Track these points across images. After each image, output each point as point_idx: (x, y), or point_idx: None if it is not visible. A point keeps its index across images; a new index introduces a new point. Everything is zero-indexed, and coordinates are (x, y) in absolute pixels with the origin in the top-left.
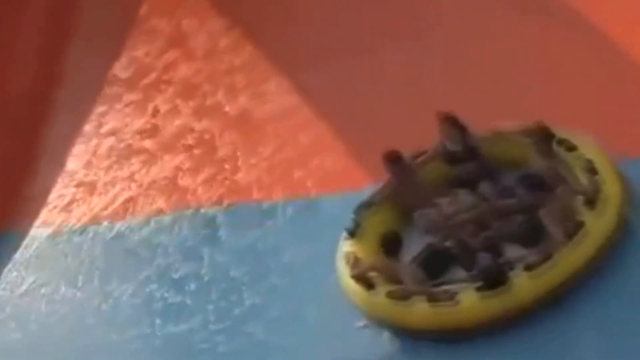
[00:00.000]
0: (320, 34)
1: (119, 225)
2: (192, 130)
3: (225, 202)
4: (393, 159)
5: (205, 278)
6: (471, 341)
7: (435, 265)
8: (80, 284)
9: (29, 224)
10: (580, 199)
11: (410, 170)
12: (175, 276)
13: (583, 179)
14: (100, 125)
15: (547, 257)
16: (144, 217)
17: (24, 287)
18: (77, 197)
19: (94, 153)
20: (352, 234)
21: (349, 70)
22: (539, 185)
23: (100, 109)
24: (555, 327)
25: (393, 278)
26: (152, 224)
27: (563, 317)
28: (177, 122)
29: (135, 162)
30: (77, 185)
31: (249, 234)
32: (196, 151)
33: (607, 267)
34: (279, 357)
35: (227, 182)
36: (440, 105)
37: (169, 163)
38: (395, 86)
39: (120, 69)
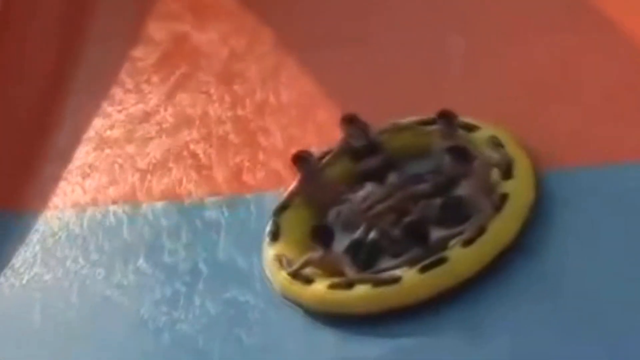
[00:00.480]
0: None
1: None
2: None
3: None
4: (300, 159)
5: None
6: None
7: (364, 256)
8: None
9: (42, 205)
10: (495, 171)
11: (318, 169)
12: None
13: (492, 153)
14: (116, 109)
15: (481, 231)
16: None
17: (33, 268)
18: (87, 180)
19: (107, 138)
20: (275, 236)
21: None
22: (464, 157)
23: (116, 92)
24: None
25: (331, 270)
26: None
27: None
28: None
29: (148, 150)
30: (87, 169)
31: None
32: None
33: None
34: None
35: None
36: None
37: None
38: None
39: (139, 51)
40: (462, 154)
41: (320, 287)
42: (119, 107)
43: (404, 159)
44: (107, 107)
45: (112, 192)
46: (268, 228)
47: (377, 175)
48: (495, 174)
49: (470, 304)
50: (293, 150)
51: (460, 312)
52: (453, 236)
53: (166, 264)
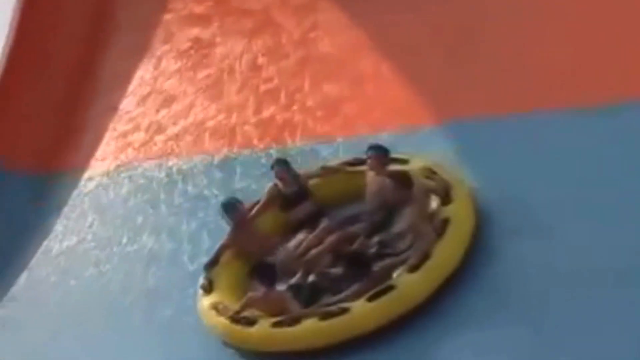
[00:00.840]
0: None
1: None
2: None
3: None
4: (230, 207)
5: None
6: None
7: (306, 297)
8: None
9: (82, 165)
10: (434, 197)
11: (248, 219)
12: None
13: (429, 181)
14: (155, 64)
15: (426, 257)
16: (192, 159)
17: (77, 228)
18: (128, 137)
19: (146, 94)
20: (209, 289)
21: None
22: (404, 183)
23: (155, 47)
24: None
25: (273, 310)
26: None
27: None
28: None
29: (185, 104)
30: (128, 125)
31: None
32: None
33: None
34: None
35: None
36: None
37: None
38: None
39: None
40: (402, 180)
41: (264, 327)
42: (143, 109)
43: (336, 204)
44: (131, 112)
45: (131, 199)
46: (200, 282)
47: (308, 223)
48: (434, 200)
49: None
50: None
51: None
52: (397, 264)
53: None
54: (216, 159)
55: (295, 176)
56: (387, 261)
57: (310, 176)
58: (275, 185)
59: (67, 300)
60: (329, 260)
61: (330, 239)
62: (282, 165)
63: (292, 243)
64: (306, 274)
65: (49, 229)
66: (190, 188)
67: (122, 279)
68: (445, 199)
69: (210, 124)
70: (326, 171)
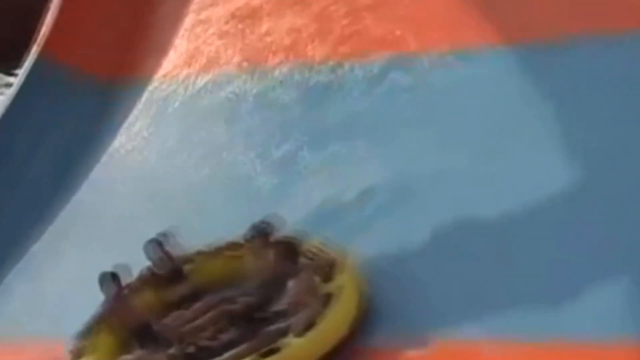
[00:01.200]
0: None
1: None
2: None
3: None
4: (106, 281)
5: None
6: None
7: None
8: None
9: (150, 75)
10: (319, 272)
11: (124, 294)
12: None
13: (314, 255)
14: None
15: (312, 324)
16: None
17: (143, 138)
18: (199, 46)
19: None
20: (78, 356)
21: None
22: (290, 254)
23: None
24: None
25: None
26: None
27: None
28: None
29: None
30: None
31: None
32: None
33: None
34: None
35: None
36: None
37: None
38: None
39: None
40: (286, 253)
41: None
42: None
43: (214, 288)
44: (173, 85)
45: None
46: (70, 348)
47: (184, 305)
48: (318, 276)
49: None
50: None
51: None
52: (282, 331)
53: None
54: (253, 126)
55: (170, 257)
56: (273, 327)
57: (187, 259)
58: (150, 265)
59: (132, 204)
60: (208, 333)
61: (210, 314)
62: (155, 245)
63: (168, 319)
64: (184, 345)
65: (114, 134)
66: (215, 162)
67: None
68: (330, 274)
69: (253, 92)
70: (203, 255)
